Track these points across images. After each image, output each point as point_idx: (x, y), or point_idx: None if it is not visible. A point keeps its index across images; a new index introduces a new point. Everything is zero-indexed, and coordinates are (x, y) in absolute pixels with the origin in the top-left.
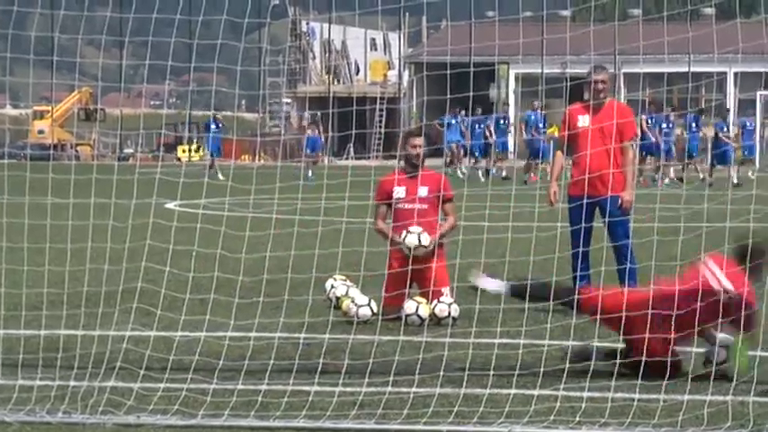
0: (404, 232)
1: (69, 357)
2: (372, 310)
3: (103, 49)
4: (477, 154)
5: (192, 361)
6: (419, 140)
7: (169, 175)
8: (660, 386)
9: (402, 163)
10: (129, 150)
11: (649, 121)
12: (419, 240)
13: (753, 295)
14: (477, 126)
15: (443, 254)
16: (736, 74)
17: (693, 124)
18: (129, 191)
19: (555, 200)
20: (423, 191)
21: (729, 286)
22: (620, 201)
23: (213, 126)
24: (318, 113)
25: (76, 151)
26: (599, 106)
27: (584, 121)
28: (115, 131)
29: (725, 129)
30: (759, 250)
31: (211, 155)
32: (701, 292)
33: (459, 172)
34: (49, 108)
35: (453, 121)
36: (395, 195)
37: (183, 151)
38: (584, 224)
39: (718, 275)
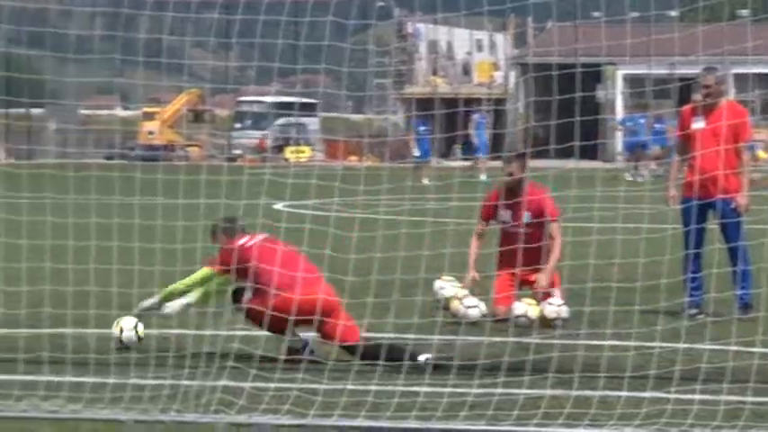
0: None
1: (181, 357)
2: (481, 312)
3: (211, 51)
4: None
5: (302, 361)
6: (513, 166)
7: (277, 175)
8: None
9: (504, 177)
10: (237, 151)
11: None
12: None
13: None
14: (657, 125)
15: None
16: None
17: None
18: (237, 192)
19: (673, 203)
20: (526, 216)
21: None
22: (734, 203)
23: (422, 127)
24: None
25: (186, 152)
26: (713, 107)
27: (698, 122)
28: (223, 132)
29: None
30: None
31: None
32: None
33: (636, 176)
34: (159, 109)
35: (642, 121)
36: (499, 219)
37: (291, 152)
38: (696, 225)
39: None
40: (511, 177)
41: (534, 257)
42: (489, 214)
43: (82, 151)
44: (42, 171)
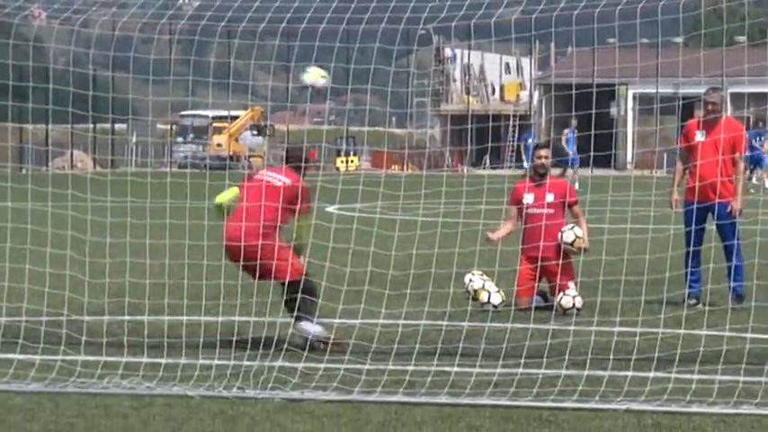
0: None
1: (243, 340)
2: (502, 298)
3: (272, 74)
4: (751, 166)
5: (348, 344)
6: (545, 152)
7: (329, 182)
8: (762, 369)
9: (531, 172)
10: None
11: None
12: (575, 236)
13: None
14: (757, 138)
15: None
16: None
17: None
18: None
19: (676, 206)
20: (549, 197)
21: None
22: (729, 207)
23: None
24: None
25: (249, 162)
26: (714, 122)
27: (700, 135)
28: (283, 144)
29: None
30: None
31: None
32: None
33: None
34: (227, 124)
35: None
36: (524, 201)
37: (342, 162)
38: (696, 226)
39: None
40: (546, 160)
41: (554, 239)
42: (517, 199)
43: (159, 161)
44: (124, 178)
